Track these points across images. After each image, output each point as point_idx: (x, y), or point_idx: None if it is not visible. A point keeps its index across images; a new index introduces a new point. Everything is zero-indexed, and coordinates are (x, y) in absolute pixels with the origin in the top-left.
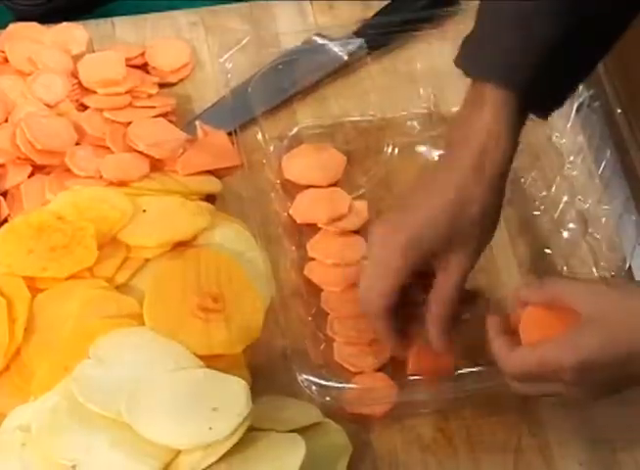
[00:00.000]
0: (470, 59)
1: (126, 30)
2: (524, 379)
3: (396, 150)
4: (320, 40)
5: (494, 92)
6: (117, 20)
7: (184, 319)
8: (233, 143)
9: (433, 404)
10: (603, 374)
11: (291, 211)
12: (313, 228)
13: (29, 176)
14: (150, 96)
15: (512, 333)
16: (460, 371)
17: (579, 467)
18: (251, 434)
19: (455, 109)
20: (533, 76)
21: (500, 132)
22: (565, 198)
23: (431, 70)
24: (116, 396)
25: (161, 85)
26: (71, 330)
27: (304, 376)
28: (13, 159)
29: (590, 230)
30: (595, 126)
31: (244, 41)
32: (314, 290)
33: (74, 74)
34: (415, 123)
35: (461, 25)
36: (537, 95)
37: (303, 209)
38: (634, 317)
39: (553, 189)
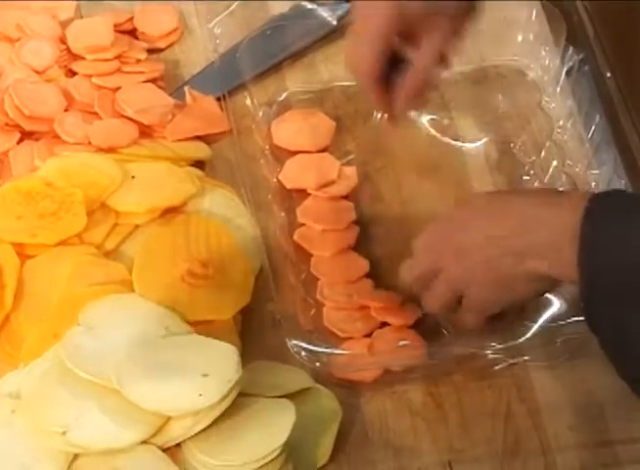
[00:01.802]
0: None
1: None
2: (422, 285)
3: (386, 115)
4: (309, 5)
5: None
6: None
7: (173, 285)
8: (222, 109)
9: (423, 370)
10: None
11: (280, 177)
12: (303, 194)
13: (18, 143)
14: (138, 61)
15: None
16: (449, 336)
17: (569, 432)
18: (241, 400)
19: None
20: None
21: None
22: (554, 163)
23: None
24: (106, 362)
25: (150, 51)
26: (61, 297)
27: (294, 341)
28: (1, 125)
29: None
30: (585, 91)
31: (232, 6)
32: (304, 255)
33: (63, 40)
34: None
35: None
36: None
37: (293, 174)
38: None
39: (542, 154)
